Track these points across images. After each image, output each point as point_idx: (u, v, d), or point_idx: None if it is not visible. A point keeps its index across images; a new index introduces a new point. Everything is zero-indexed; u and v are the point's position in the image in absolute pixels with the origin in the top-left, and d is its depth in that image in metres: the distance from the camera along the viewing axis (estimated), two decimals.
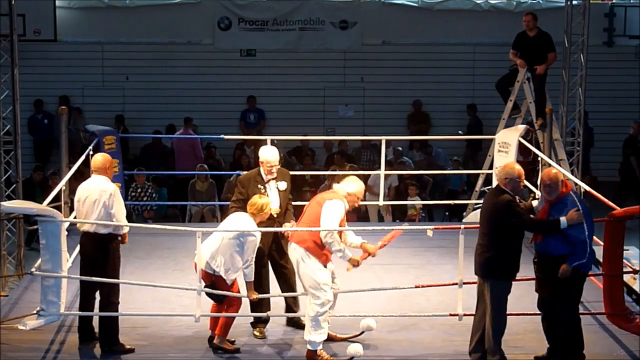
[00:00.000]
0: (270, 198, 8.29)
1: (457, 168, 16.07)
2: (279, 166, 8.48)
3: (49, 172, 14.88)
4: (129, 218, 14.22)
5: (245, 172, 8.75)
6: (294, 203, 8.80)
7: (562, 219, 7.49)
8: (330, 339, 8.10)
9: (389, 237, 8.22)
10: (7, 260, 11.89)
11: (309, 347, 7.87)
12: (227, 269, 7.92)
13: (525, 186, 11.79)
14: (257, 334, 8.44)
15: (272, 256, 8.44)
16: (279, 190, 8.44)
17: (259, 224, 8.08)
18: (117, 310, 8.09)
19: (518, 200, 7.68)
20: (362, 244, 8.11)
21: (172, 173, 15.43)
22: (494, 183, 12.00)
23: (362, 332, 8.30)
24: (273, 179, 8.42)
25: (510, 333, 7.87)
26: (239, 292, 8.16)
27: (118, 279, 8.13)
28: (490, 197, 7.80)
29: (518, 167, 7.80)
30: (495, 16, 18.75)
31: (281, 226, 8.35)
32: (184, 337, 8.39)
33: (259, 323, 8.50)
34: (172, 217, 14.99)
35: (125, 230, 8.16)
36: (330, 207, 7.83)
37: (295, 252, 7.92)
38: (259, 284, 8.33)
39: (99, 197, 7.95)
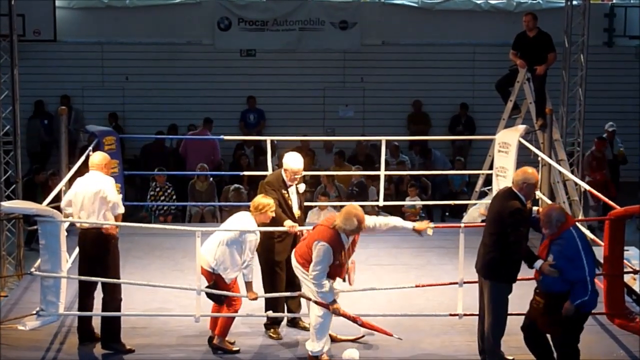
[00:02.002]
0: (293, 202, 8.39)
1: (460, 169, 16.06)
2: (302, 174, 8.48)
3: (49, 172, 14.87)
4: (149, 220, 14.43)
5: (270, 174, 8.72)
6: None
7: (538, 262, 7.40)
8: (331, 339, 8.09)
9: (369, 326, 8.07)
10: (6, 261, 11.88)
11: (310, 354, 7.87)
12: (226, 268, 7.93)
13: None
14: (273, 335, 8.45)
15: (288, 259, 8.36)
16: (298, 193, 8.48)
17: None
18: (120, 306, 8.10)
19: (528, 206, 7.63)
20: (413, 227, 8.08)
21: (172, 173, 15.39)
22: (494, 183, 12.00)
23: (364, 336, 8.28)
24: (295, 184, 8.48)
25: (510, 333, 7.86)
26: (239, 292, 8.16)
27: (119, 274, 8.14)
28: (500, 198, 7.71)
29: (536, 173, 7.77)
30: (495, 16, 18.75)
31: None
32: (184, 337, 8.39)
33: (274, 324, 8.51)
34: (172, 217, 14.96)
35: (120, 210, 8.12)
36: (317, 254, 7.67)
37: (295, 267, 7.94)
38: (274, 285, 8.34)
39: (97, 191, 7.99)
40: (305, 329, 8.41)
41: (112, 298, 8.06)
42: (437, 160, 17.46)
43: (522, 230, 7.48)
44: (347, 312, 7.85)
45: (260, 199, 8.07)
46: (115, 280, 8.06)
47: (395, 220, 8.16)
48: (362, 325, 7.98)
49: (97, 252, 8.03)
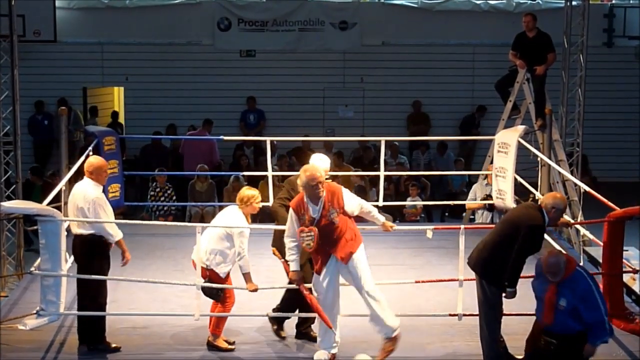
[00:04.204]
0: None
1: (461, 169, 16.08)
2: (328, 175, 8.35)
3: (49, 172, 14.88)
4: (149, 219, 14.40)
5: (294, 175, 8.56)
6: None
7: (512, 291, 7.42)
8: None
9: (315, 308, 7.78)
10: (7, 261, 11.89)
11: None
12: (219, 263, 7.99)
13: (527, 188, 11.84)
14: (282, 334, 8.42)
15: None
16: None
17: None
18: (104, 310, 8.10)
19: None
20: (382, 223, 8.10)
21: (172, 174, 15.40)
22: (493, 183, 12.00)
23: None
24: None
25: (509, 333, 7.87)
26: (232, 291, 8.18)
27: (103, 280, 8.09)
28: (528, 209, 7.60)
29: (565, 198, 7.79)
30: (495, 16, 18.77)
31: None
32: (184, 337, 8.40)
33: (279, 324, 8.47)
34: (172, 217, 14.97)
35: (117, 238, 8.07)
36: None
37: None
38: (293, 289, 8.25)
39: (81, 204, 8.00)
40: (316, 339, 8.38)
41: (97, 302, 8.05)
42: (450, 160, 17.44)
43: (533, 246, 7.44)
44: (304, 287, 7.73)
45: (246, 191, 8.11)
46: (114, 277, 8.12)
47: (374, 210, 8.15)
48: (310, 304, 7.76)
49: (83, 257, 8.05)
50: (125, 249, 8.18)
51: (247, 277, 8.00)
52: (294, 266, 7.69)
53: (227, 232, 7.96)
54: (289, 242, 7.71)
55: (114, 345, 8.10)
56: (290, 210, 7.71)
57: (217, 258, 7.99)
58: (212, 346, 8.13)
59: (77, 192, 8.11)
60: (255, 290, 8.06)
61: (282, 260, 7.99)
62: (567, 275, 7.03)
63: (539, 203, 7.69)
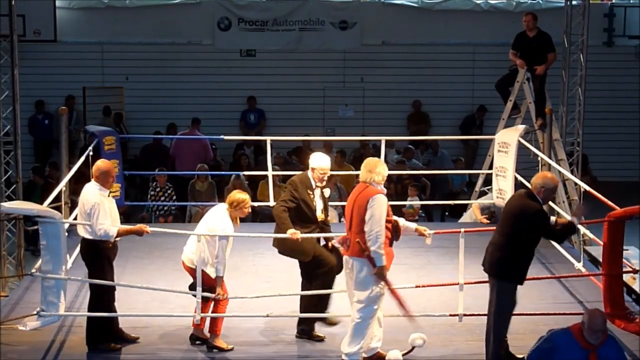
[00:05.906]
0: (317, 205, 8.29)
1: (461, 169, 16.07)
2: (329, 174, 8.36)
3: (49, 162, 14.88)
4: (149, 219, 14.40)
5: (295, 175, 8.49)
6: None
7: (574, 219, 7.52)
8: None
9: (397, 298, 7.78)
10: (7, 261, 11.89)
11: (344, 358, 7.71)
12: (207, 264, 7.99)
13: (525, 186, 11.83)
14: (317, 336, 8.37)
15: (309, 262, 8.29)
16: (323, 197, 8.37)
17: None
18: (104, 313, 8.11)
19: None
20: (416, 228, 8.17)
21: (172, 173, 15.39)
22: (494, 182, 12.00)
23: (413, 349, 8.10)
24: (321, 186, 8.32)
25: (510, 332, 7.86)
26: (226, 290, 8.16)
27: (103, 284, 8.08)
28: (519, 199, 7.66)
29: (556, 178, 7.81)
30: (495, 16, 18.77)
31: (325, 232, 8.32)
32: (183, 337, 8.39)
33: (311, 325, 8.38)
34: (172, 217, 14.96)
35: (113, 236, 8.01)
36: (375, 208, 7.49)
37: (355, 267, 7.63)
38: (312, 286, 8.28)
39: (83, 207, 8.01)
40: (319, 338, 8.36)
41: (96, 304, 8.08)
42: (444, 158, 17.45)
43: (544, 230, 7.52)
44: (389, 280, 7.57)
45: (236, 195, 8.07)
46: (113, 283, 8.10)
47: (402, 220, 8.17)
48: (392, 292, 7.64)
49: (87, 259, 8.09)
50: (132, 229, 8.11)
51: (218, 280, 7.94)
52: (384, 260, 7.56)
53: (211, 235, 7.94)
54: (384, 234, 7.55)
55: (112, 345, 8.11)
56: (384, 199, 7.52)
57: (205, 259, 7.96)
58: (211, 346, 8.12)
59: (83, 195, 8.13)
60: (223, 297, 7.97)
61: (366, 254, 7.58)
62: (605, 339, 6.85)
63: (529, 188, 7.72)
